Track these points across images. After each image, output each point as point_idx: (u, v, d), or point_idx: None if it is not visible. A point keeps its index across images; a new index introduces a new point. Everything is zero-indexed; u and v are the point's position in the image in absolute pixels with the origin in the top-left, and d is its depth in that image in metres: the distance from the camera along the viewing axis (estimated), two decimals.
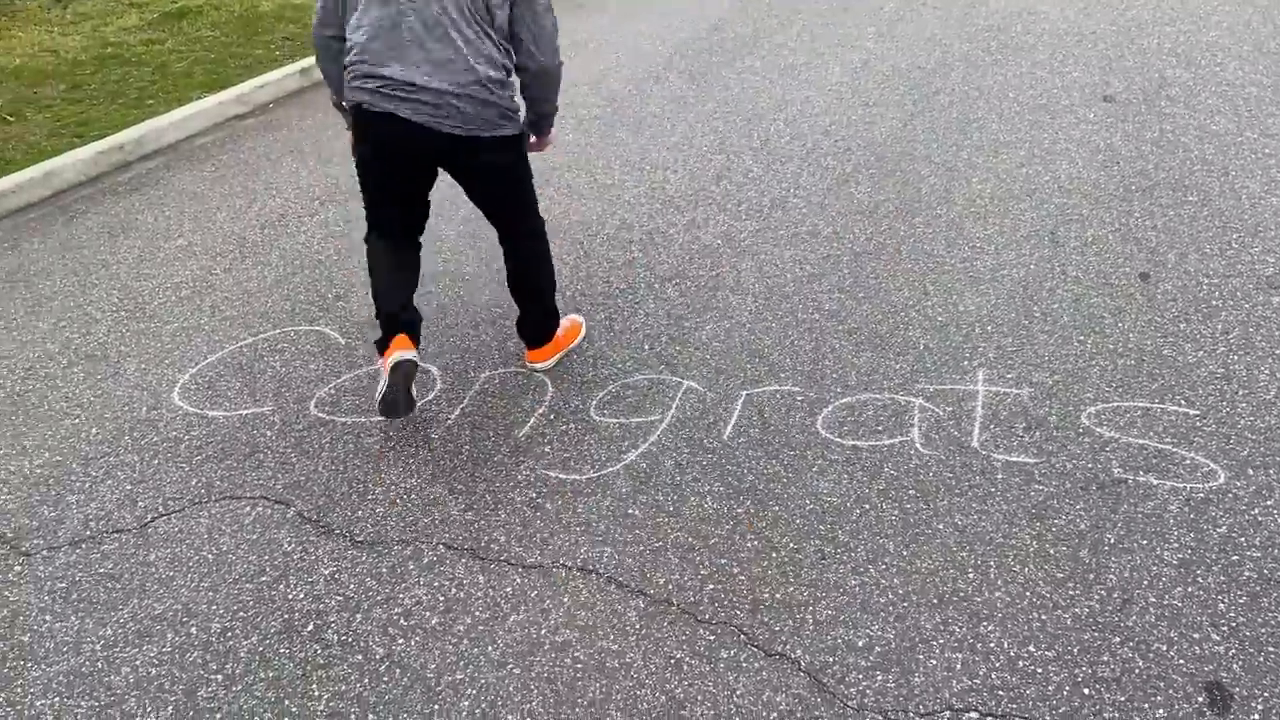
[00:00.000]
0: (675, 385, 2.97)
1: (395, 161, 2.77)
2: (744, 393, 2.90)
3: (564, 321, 3.24)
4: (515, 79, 2.75)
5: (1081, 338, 2.96)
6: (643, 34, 6.87)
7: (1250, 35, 5.38)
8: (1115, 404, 2.65)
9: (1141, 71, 5.07)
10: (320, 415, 3.02)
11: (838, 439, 2.65)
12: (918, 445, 2.59)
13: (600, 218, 4.14)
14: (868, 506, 2.40)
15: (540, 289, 3.10)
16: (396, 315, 2.86)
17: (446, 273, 3.83)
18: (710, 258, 3.72)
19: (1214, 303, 3.04)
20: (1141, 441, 2.49)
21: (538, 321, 3.12)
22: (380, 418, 2.94)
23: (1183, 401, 2.62)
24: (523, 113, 2.85)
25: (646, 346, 3.20)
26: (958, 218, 3.80)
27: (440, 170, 2.90)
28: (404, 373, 2.72)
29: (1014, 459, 2.50)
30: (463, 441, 2.82)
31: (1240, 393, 2.63)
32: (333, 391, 3.13)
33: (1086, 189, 3.89)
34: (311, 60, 6.79)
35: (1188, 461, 2.41)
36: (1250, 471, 2.36)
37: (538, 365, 3.14)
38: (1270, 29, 5.42)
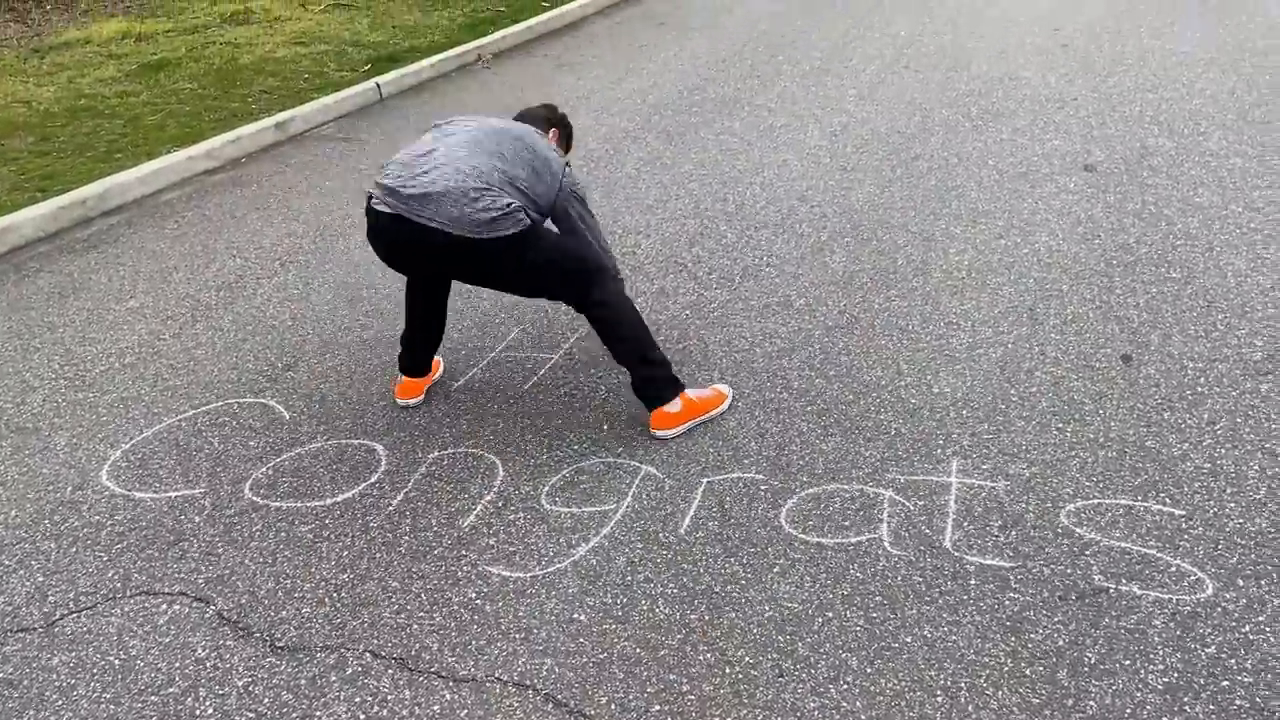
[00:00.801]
0: (633, 471, 2.81)
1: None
2: (704, 480, 2.73)
3: (704, 390, 3.05)
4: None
5: (1061, 425, 2.81)
6: (625, 93, 6.80)
7: (1234, 104, 5.32)
8: (1096, 501, 2.48)
9: (1123, 140, 4.99)
10: (254, 499, 2.84)
11: (802, 535, 2.48)
12: (886, 544, 2.42)
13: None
14: (830, 615, 2.23)
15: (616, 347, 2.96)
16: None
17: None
18: (677, 329, 3.58)
19: (1199, 389, 2.90)
20: (1124, 545, 2.33)
21: (640, 381, 2.95)
22: (317, 501, 2.77)
23: (1167, 500, 2.46)
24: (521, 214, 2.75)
25: (605, 426, 3.04)
26: (934, 291, 3.67)
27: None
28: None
29: (988, 562, 2.33)
30: (403, 531, 2.64)
31: (1228, 491, 2.47)
32: (270, 472, 2.95)
33: (1066, 263, 3.76)
34: (288, 114, 6.70)
35: (1173, 569, 2.24)
36: (1240, 582, 2.19)
37: (658, 433, 2.93)
38: (1254, 97, 5.36)
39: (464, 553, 2.54)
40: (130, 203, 5.49)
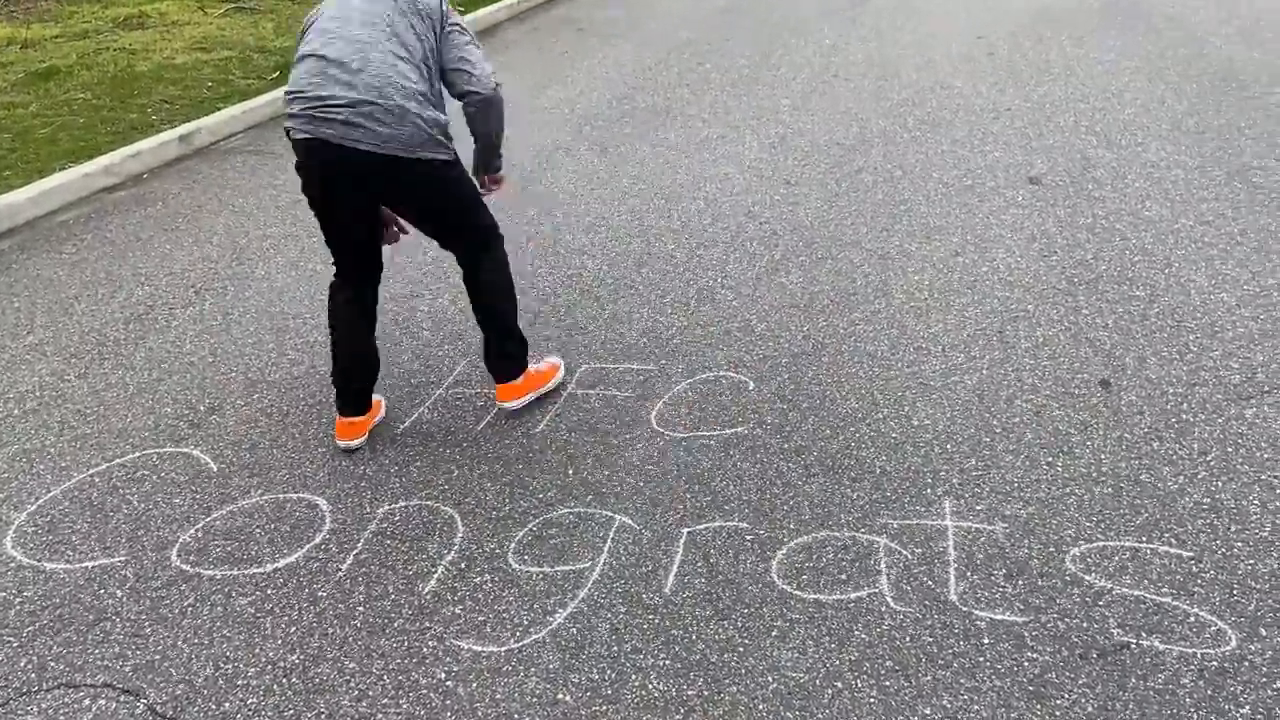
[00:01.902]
0: (606, 521, 2.60)
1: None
2: (685, 531, 2.54)
3: (540, 363, 3.19)
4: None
5: (1050, 459, 2.70)
6: (551, 103, 6.57)
7: (1166, 113, 5.36)
8: (1100, 543, 2.37)
9: (1063, 151, 4.97)
10: (183, 567, 2.55)
11: (798, 592, 2.30)
12: (889, 599, 2.26)
13: None
14: (840, 685, 2.05)
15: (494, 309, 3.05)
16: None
17: None
18: (636, 360, 3.38)
19: (1184, 417, 2.83)
20: (1137, 593, 2.21)
21: (499, 352, 3.04)
22: (256, 568, 2.48)
23: (1173, 540, 2.36)
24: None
25: (570, 470, 2.82)
26: (897, 313, 3.54)
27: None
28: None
29: (999, 617, 2.19)
30: (356, 600, 2.38)
31: (1233, 529, 2.38)
32: (200, 535, 2.66)
33: (1028, 281, 3.68)
34: (192, 125, 6.29)
35: (1192, 619, 2.13)
36: (1263, 632, 2.09)
37: (506, 404, 3.07)
38: (1185, 106, 5.42)
39: (428, 624, 2.30)
40: (22, 225, 5.05)
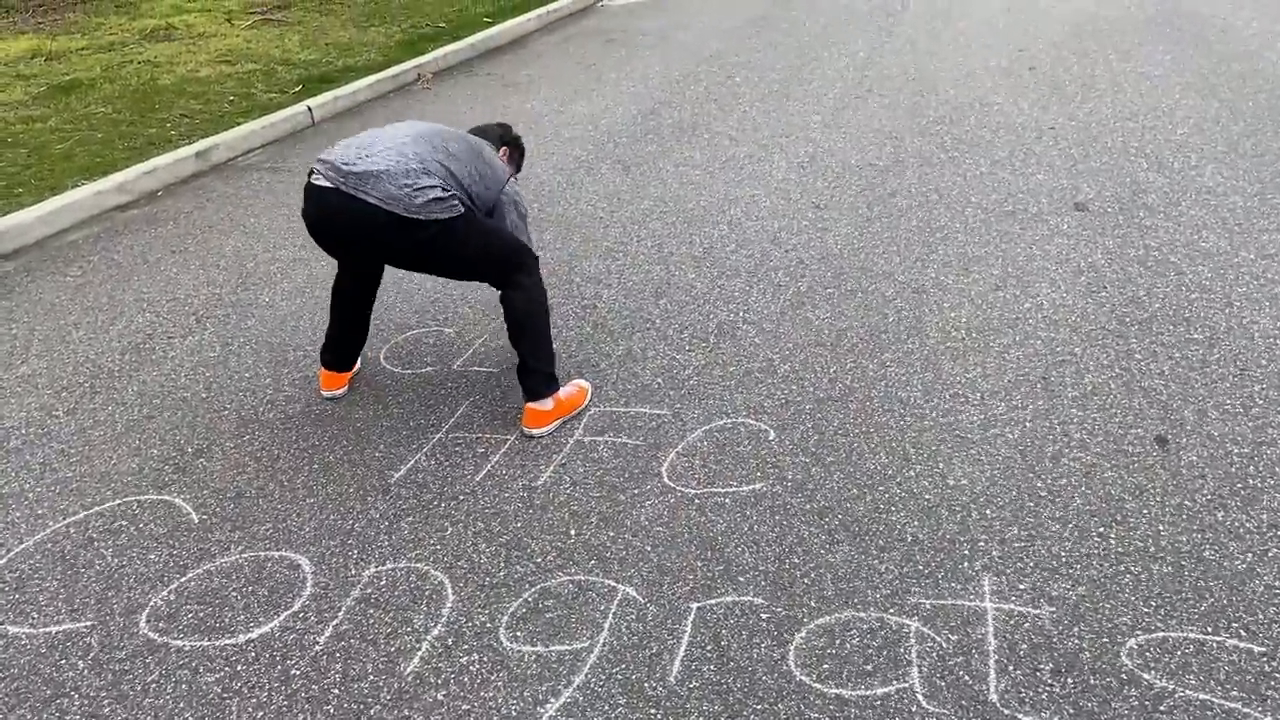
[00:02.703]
0: (608, 593, 2.37)
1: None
2: (694, 606, 2.31)
3: (568, 387, 3.15)
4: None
5: (1102, 529, 2.44)
6: (576, 117, 6.38)
7: (1221, 134, 5.05)
8: (1160, 634, 2.11)
9: (1111, 175, 4.68)
10: (150, 635, 2.36)
11: (818, 684, 2.06)
12: (920, 698, 2.01)
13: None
14: None
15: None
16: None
17: (334, 417, 3.20)
18: (649, 403, 3.15)
19: (1251, 481, 2.55)
20: (1203, 696, 1.95)
21: (529, 371, 3.03)
22: (228, 639, 2.29)
23: (1242, 632, 2.10)
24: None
25: (572, 531, 2.60)
26: (932, 354, 3.29)
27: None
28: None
29: None
30: (331, 681, 2.18)
31: None
32: (172, 598, 2.47)
33: (1074, 320, 3.41)
34: (210, 141, 6.16)
35: None
36: None
37: (531, 431, 3.02)
38: (1241, 127, 5.11)
39: (406, 713, 2.08)
40: (30, 245, 4.93)
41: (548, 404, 3.01)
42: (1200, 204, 4.25)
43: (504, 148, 3.37)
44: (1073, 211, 4.32)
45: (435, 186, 2.76)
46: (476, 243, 2.90)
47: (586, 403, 3.16)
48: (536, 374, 3.00)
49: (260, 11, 9.81)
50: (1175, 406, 2.89)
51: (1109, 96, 5.85)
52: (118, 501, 2.88)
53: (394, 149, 2.80)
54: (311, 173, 2.84)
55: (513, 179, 3.18)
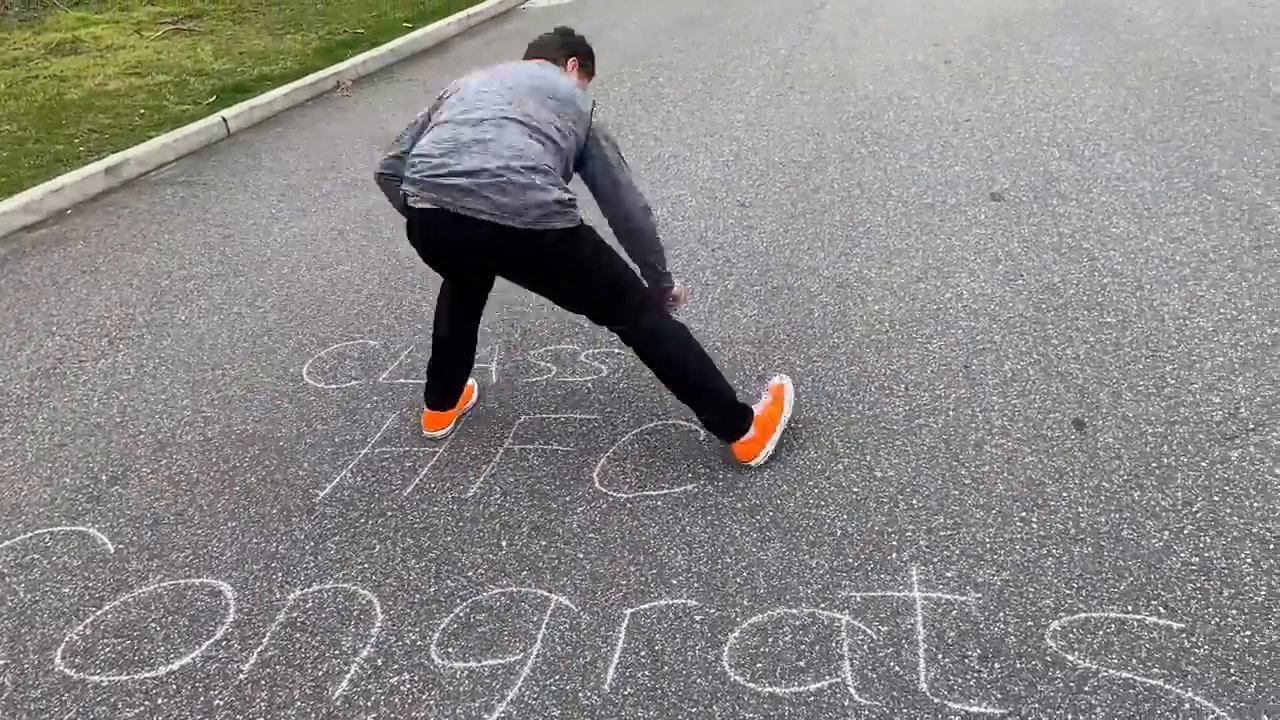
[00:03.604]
0: (540, 603, 2.35)
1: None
2: (628, 612, 2.29)
3: (763, 400, 2.83)
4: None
5: (1024, 514, 2.48)
6: None
7: (1129, 121, 5.19)
8: (1083, 615, 2.15)
9: (1025, 165, 4.78)
10: (67, 672, 2.27)
11: (752, 684, 2.06)
12: (852, 691, 2.02)
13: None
14: None
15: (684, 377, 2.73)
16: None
17: (255, 437, 3.12)
18: (580, 408, 3.13)
19: (1165, 460, 2.62)
20: (1125, 675, 1.99)
21: (713, 416, 2.72)
22: (147, 672, 2.21)
23: (1161, 609, 2.15)
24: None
25: (504, 542, 2.57)
26: (857, 348, 3.32)
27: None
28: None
29: (975, 709, 1.96)
30: (256, 711, 2.12)
31: (1225, 594, 2.17)
32: (88, 632, 2.38)
33: (993, 309, 3.48)
34: (120, 156, 5.99)
35: (1187, 706, 1.91)
36: (1265, 719, 1.88)
37: (749, 464, 2.73)
38: (1149, 113, 5.25)
39: None
40: None
41: (751, 432, 2.72)
42: (1110, 190, 4.36)
43: (570, 59, 2.97)
44: (989, 202, 4.40)
45: (547, 193, 2.43)
46: (594, 262, 2.61)
47: (790, 399, 2.84)
48: (718, 419, 2.71)
49: (171, 21, 9.57)
50: (1091, 390, 2.95)
51: (1021, 88, 5.98)
52: (29, 534, 2.78)
53: (484, 149, 2.45)
54: (406, 195, 2.55)
55: (594, 105, 2.75)
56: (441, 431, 3.04)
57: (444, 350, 2.96)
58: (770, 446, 2.74)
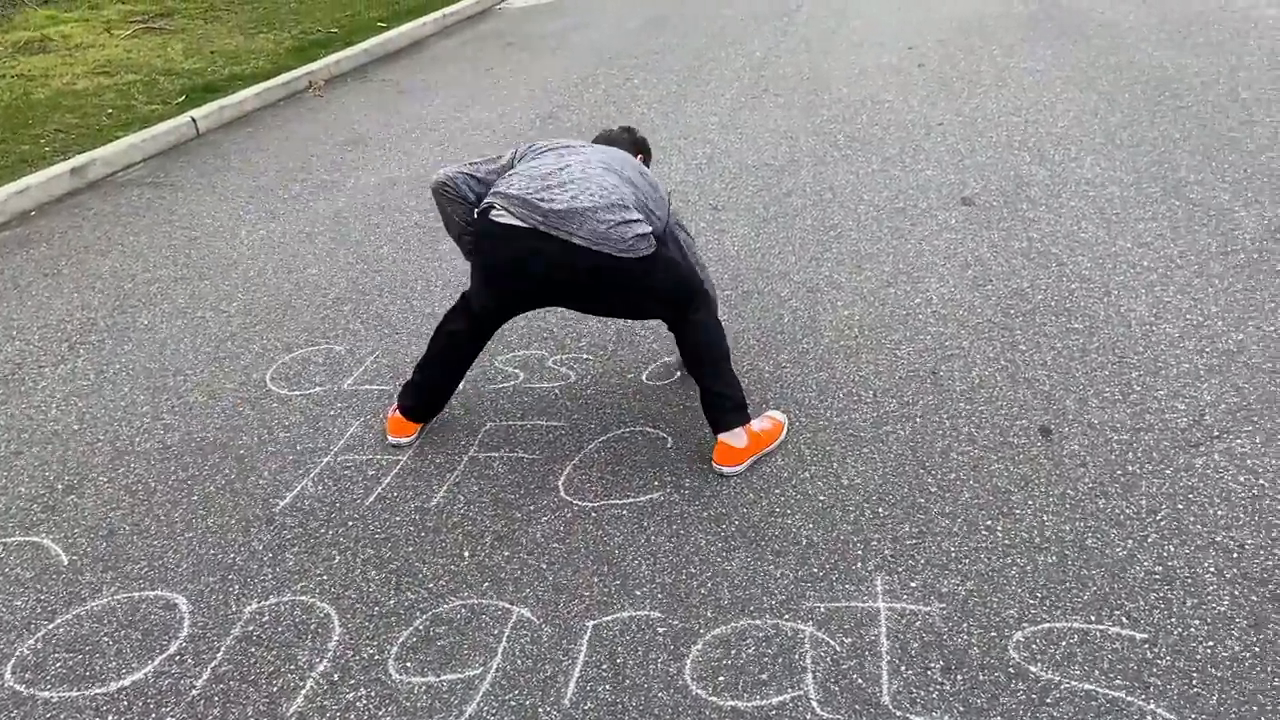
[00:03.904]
0: (502, 615, 2.31)
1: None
2: (590, 624, 2.27)
3: (761, 419, 2.85)
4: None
5: (989, 522, 2.47)
6: (474, 123, 6.29)
7: (1099, 125, 5.21)
8: (1045, 625, 2.14)
9: (996, 169, 4.79)
10: (17, 688, 2.22)
11: (713, 698, 2.04)
12: (815, 705, 2.00)
13: (414, 361, 3.45)
14: None
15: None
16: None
17: (215, 445, 3.07)
18: (546, 415, 3.10)
19: (1130, 468, 2.61)
20: (1088, 687, 1.98)
21: (711, 399, 2.76)
22: (99, 688, 2.16)
23: (1124, 619, 2.14)
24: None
25: (466, 552, 2.53)
26: (826, 353, 3.31)
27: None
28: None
29: None
30: None
31: (1188, 603, 2.16)
32: (39, 646, 2.33)
33: (962, 314, 3.47)
34: (86, 156, 5.90)
35: (1149, 718, 1.90)
36: None
37: (724, 470, 2.73)
38: (1119, 117, 5.27)
39: None
40: None
41: (740, 438, 2.73)
42: (1080, 195, 4.38)
43: (639, 154, 3.09)
44: (960, 206, 4.40)
45: (639, 221, 2.56)
46: (669, 276, 2.69)
47: (783, 438, 2.86)
48: (722, 400, 2.73)
49: (141, 20, 9.45)
50: (1058, 396, 2.95)
51: (993, 92, 6.00)
52: None
53: (589, 180, 2.56)
54: (489, 209, 2.59)
55: (665, 203, 2.85)
56: (407, 439, 2.99)
57: (445, 374, 2.96)
58: (748, 463, 2.75)
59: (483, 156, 2.88)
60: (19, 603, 2.49)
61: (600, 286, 2.61)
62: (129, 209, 5.36)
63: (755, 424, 2.80)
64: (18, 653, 2.33)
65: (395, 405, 3.02)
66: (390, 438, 2.99)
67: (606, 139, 3.08)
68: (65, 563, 2.62)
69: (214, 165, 6.00)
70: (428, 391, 2.96)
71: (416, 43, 9.05)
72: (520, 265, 2.60)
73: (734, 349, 3.35)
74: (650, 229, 2.59)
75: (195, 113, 6.76)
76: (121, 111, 6.92)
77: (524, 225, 2.52)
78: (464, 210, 2.78)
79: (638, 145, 3.12)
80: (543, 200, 2.52)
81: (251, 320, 3.89)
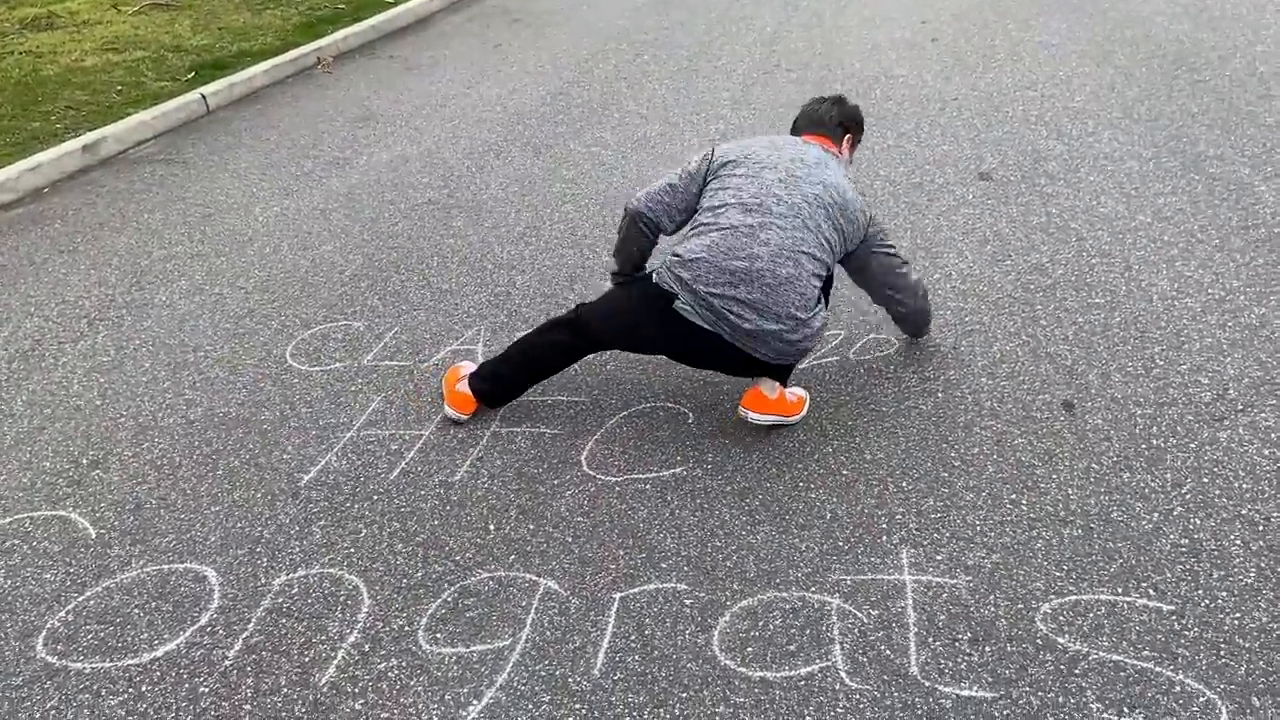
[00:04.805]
0: (530, 587, 2.33)
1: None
2: (617, 596, 2.28)
3: (798, 390, 2.89)
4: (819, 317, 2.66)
5: (1014, 496, 2.48)
6: (484, 100, 6.26)
7: (1117, 100, 5.18)
8: (1073, 597, 2.15)
9: (1013, 144, 4.77)
10: (49, 659, 2.24)
11: (742, 668, 2.06)
12: (843, 675, 2.02)
13: (434, 338, 3.47)
14: None
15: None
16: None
17: (238, 420, 3.08)
18: (567, 390, 3.11)
19: (1154, 442, 2.62)
20: (1116, 658, 2.00)
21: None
22: (131, 659, 2.18)
23: (1151, 591, 2.15)
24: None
25: (492, 526, 2.55)
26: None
27: None
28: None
29: (965, 693, 1.96)
30: (243, 697, 2.10)
31: (1215, 575, 2.17)
32: (70, 619, 2.35)
33: (982, 289, 3.46)
34: (97, 133, 5.88)
35: (1177, 689, 1.92)
36: (1255, 702, 1.88)
37: (748, 413, 2.76)
38: (1136, 92, 5.24)
39: None
40: None
41: (773, 390, 2.75)
42: (1098, 170, 4.35)
43: (847, 135, 2.96)
44: (977, 181, 4.38)
45: (815, 332, 2.61)
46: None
47: (801, 415, 2.83)
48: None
49: None
50: (1080, 371, 2.95)
51: (1009, 66, 5.96)
52: (8, 520, 2.73)
53: (777, 277, 2.50)
54: (663, 284, 2.59)
55: (872, 221, 2.76)
56: (467, 415, 2.95)
57: (530, 377, 2.94)
58: (767, 420, 2.77)
59: (677, 179, 2.79)
60: (48, 575, 2.51)
61: (751, 366, 2.69)
62: (142, 186, 5.34)
63: (789, 390, 2.82)
64: (49, 625, 2.35)
65: (463, 379, 2.96)
66: (449, 410, 2.95)
67: (812, 118, 2.93)
68: (93, 536, 2.63)
69: (225, 142, 5.98)
70: (505, 387, 2.93)
71: (423, 19, 8.99)
72: (681, 347, 2.70)
73: None
74: (824, 323, 2.66)
75: (205, 89, 6.72)
76: (131, 88, 6.89)
77: (708, 329, 2.57)
78: (646, 245, 2.84)
79: (846, 124, 2.95)
80: (731, 312, 2.53)
81: (269, 297, 3.90)
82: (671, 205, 2.77)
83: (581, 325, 2.83)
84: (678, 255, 2.64)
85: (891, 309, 2.99)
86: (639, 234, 2.83)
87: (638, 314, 2.71)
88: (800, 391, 2.90)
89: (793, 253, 2.54)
